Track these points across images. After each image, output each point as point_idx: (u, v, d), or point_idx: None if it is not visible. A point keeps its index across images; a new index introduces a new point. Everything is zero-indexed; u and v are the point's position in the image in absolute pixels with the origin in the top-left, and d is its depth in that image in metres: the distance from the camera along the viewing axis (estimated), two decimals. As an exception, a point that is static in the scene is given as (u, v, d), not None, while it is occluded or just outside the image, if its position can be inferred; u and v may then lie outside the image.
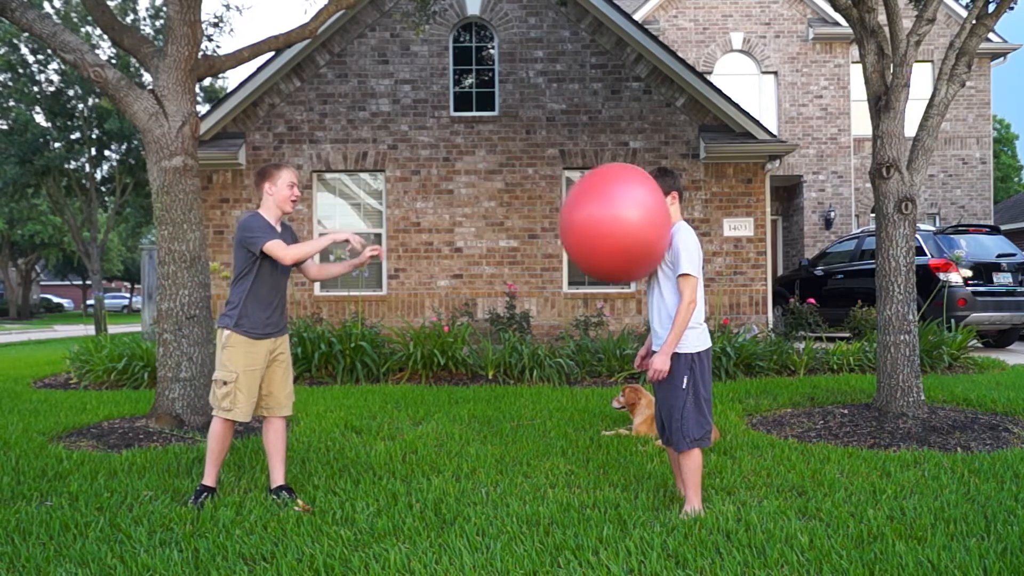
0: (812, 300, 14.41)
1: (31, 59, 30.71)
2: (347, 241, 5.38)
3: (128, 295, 73.39)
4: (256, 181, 5.55)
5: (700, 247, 5.01)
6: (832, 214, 23.02)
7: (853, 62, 23.44)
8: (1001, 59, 24.50)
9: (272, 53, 13.16)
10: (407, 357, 11.45)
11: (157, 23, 31.47)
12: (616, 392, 9.56)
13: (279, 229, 5.52)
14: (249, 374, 5.35)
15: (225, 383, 5.31)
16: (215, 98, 32.81)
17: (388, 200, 14.99)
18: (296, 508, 5.08)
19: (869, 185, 21.89)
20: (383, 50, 15.06)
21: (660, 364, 4.86)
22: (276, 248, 5.28)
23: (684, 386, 4.93)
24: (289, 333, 5.76)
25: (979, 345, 15.19)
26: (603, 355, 11.63)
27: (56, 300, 66.67)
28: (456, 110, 15.22)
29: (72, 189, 33.05)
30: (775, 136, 14.91)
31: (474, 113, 15.17)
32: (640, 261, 4.83)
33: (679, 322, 4.85)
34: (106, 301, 38.03)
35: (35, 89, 30.91)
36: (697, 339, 5.01)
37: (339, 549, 4.38)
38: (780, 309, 16.97)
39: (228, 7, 32.82)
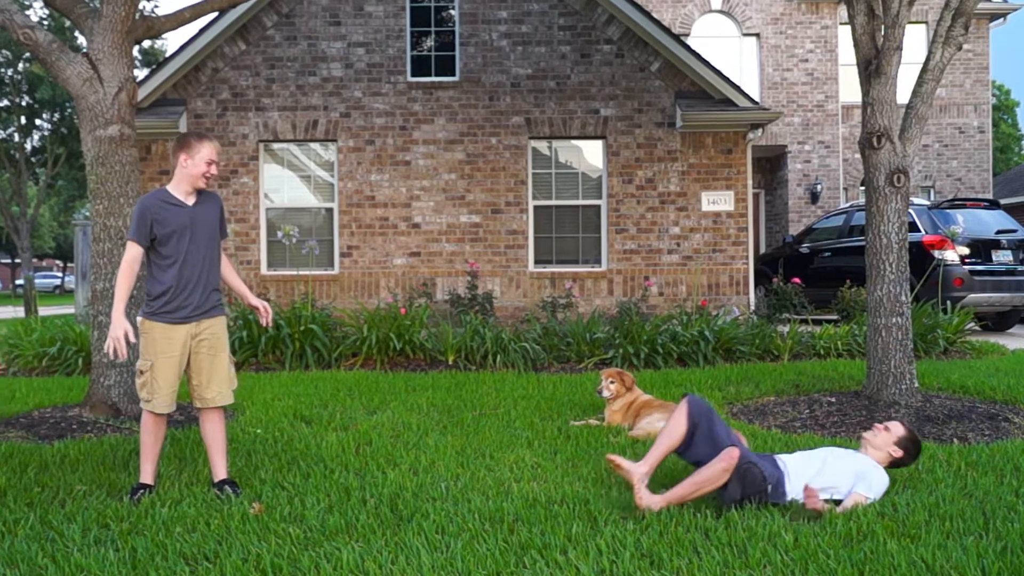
0: (797, 280, 14.45)
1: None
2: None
3: (60, 274, 72.82)
4: (173, 149, 5.45)
5: None
6: (819, 187, 23.14)
7: (841, 23, 23.44)
8: (1001, 20, 24.69)
9: (215, 13, 13.00)
10: (361, 341, 11.40)
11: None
12: (596, 378, 9.35)
13: (190, 203, 5.43)
14: (165, 361, 5.31)
15: (142, 372, 5.31)
16: (154, 62, 32.45)
17: (340, 172, 14.89)
18: (251, 511, 4.99)
19: (858, 156, 21.99)
20: (335, 10, 14.92)
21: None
22: (127, 253, 5.32)
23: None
24: (227, 315, 5.66)
25: (977, 328, 15.31)
26: (572, 339, 11.62)
27: (-19, 280, 66.10)
28: (414, 75, 15.10)
29: (0, 160, 32.63)
30: (757, 103, 14.94)
31: (433, 79, 15.06)
32: None
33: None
34: (36, 281, 37.64)
35: (-40, 54, 30.49)
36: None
37: (287, 548, 4.35)
38: (763, 289, 17.03)
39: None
